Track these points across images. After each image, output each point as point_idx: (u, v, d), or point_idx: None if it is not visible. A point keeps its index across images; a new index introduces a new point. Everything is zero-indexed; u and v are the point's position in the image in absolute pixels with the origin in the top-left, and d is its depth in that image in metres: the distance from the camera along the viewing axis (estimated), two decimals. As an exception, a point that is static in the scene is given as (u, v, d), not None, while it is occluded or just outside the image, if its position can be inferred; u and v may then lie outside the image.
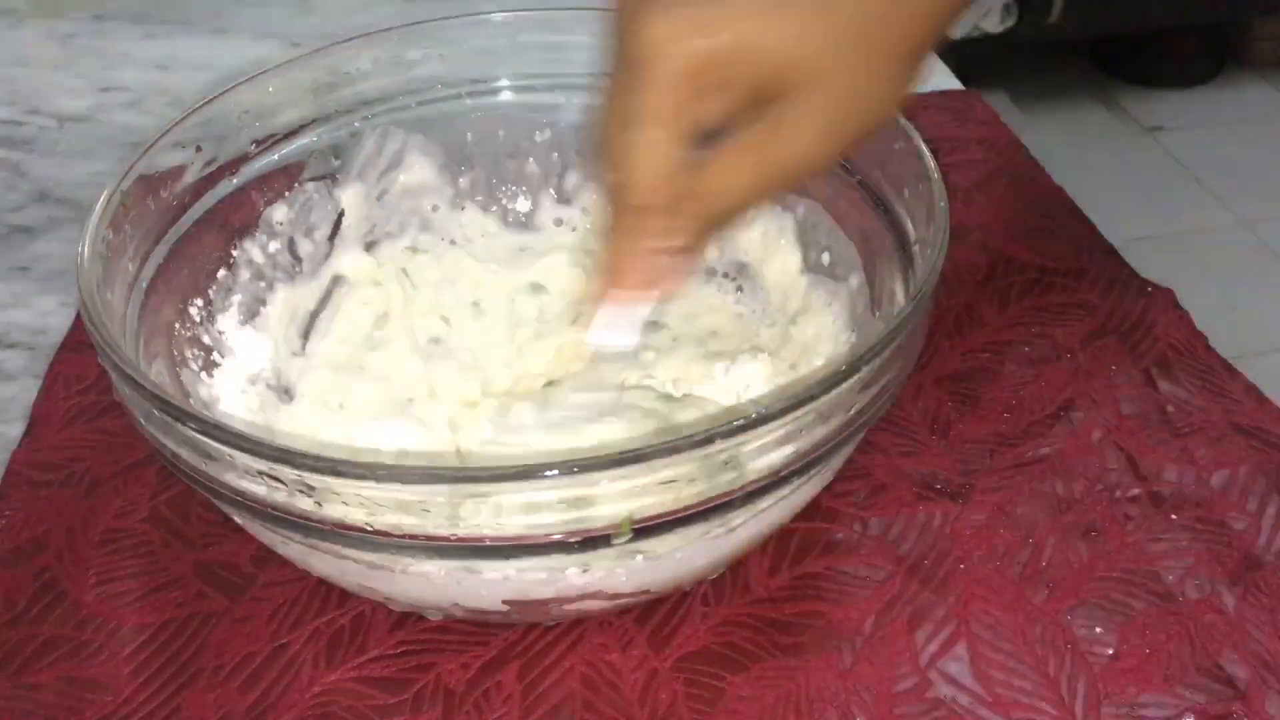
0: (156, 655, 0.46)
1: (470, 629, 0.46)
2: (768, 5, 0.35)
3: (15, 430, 0.56)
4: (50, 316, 0.64)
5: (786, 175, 0.38)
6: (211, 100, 0.52)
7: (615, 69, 0.37)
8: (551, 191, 0.60)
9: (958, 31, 1.90)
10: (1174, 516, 0.50)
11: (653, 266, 0.39)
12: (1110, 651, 0.45)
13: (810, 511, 0.48)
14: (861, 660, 0.45)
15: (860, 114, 0.38)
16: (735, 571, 0.48)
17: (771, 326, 0.56)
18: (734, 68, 0.36)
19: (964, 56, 1.86)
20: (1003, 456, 0.53)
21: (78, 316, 0.61)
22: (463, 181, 0.60)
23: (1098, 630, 0.46)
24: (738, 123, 0.37)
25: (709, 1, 0.35)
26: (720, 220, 0.39)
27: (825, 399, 0.38)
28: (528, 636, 0.46)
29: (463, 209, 0.60)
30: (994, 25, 1.96)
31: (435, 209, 0.59)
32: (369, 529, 0.37)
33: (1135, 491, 0.51)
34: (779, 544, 0.49)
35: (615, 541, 0.37)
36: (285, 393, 0.52)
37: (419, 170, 0.58)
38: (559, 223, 0.60)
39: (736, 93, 0.36)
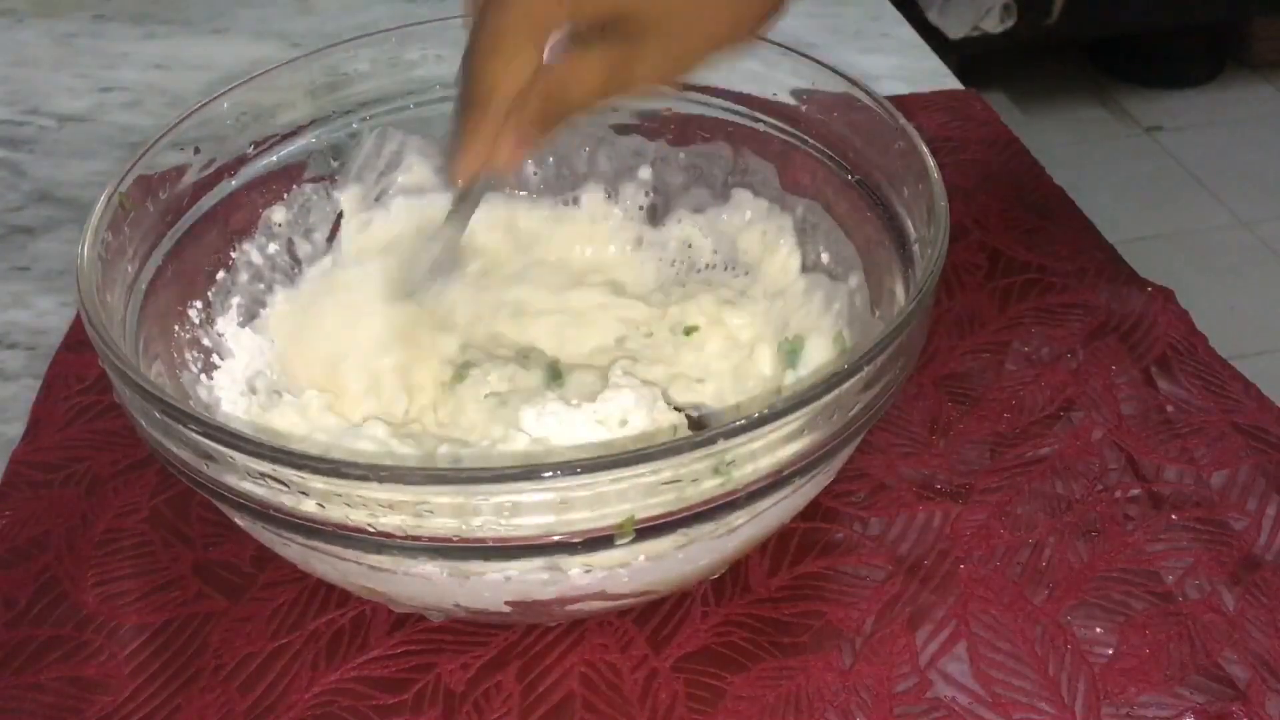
0: (156, 655, 0.46)
1: (470, 629, 0.46)
2: None
3: (15, 430, 0.56)
4: (50, 316, 0.64)
5: (630, 85, 0.42)
6: (210, 101, 0.52)
7: None
8: (553, 196, 0.60)
9: (958, 32, 1.90)
10: (1174, 516, 0.50)
11: (494, 151, 0.43)
12: (1110, 651, 0.45)
13: (810, 511, 0.48)
14: (861, 660, 0.45)
15: (707, 45, 0.43)
16: (735, 571, 0.48)
17: (771, 326, 0.56)
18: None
19: (964, 56, 1.86)
20: (1003, 456, 0.53)
21: (77, 316, 0.61)
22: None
23: (1097, 630, 0.46)
24: (587, 34, 0.41)
25: None
26: (559, 117, 0.42)
27: (826, 399, 0.38)
28: (528, 637, 0.46)
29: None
30: (994, 25, 1.96)
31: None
32: (371, 530, 0.37)
33: (1135, 491, 0.51)
34: (779, 544, 0.49)
35: (618, 542, 0.37)
36: (277, 394, 0.52)
37: (417, 171, 0.58)
38: (557, 223, 0.60)
39: (590, 17, 0.40)
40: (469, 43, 0.42)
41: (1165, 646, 0.45)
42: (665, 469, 0.36)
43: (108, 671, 0.45)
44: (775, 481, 0.39)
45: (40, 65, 0.87)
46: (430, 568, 0.39)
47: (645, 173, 0.59)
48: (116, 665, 0.45)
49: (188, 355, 0.50)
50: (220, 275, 0.53)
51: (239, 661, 0.45)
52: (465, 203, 0.47)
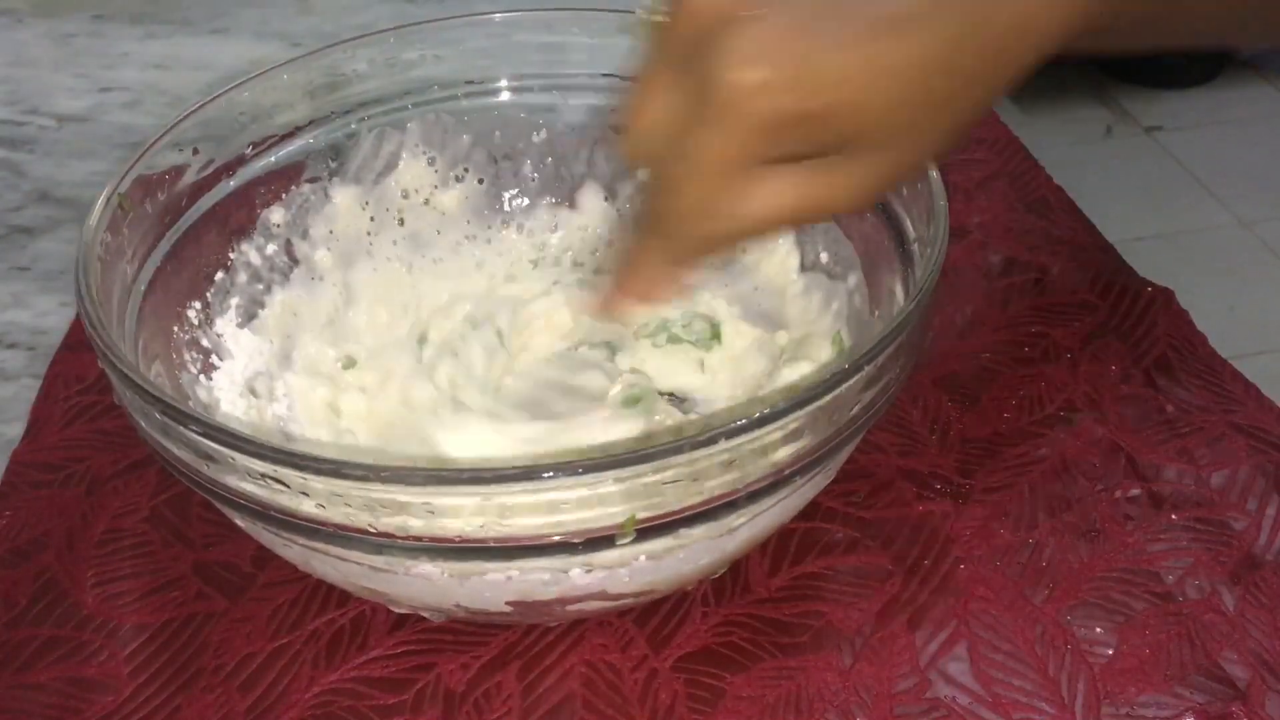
0: (156, 655, 0.46)
1: (470, 629, 0.46)
2: (868, 67, 0.34)
3: (15, 430, 0.56)
4: (50, 316, 0.64)
5: (822, 213, 0.38)
6: (209, 102, 0.52)
7: (678, 78, 0.36)
8: (550, 197, 0.60)
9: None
10: (1174, 516, 0.50)
11: (665, 279, 0.40)
12: (1110, 651, 0.45)
13: (810, 511, 0.48)
14: (861, 660, 0.45)
15: (912, 170, 0.39)
16: (735, 571, 0.48)
17: (770, 326, 0.56)
18: (817, 125, 0.35)
19: (964, 56, 1.86)
20: (1003, 456, 0.53)
21: (77, 316, 0.61)
22: (459, 182, 0.60)
23: (1097, 630, 0.46)
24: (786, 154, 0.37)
25: (805, 53, 0.34)
26: (742, 238, 0.39)
27: (827, 399, 0.38)
28: (528, 637, 0.46)
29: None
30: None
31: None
32: (372, 531, 0.37)
33: (1135, 491, 0.51)
34: (779, 544, 0.49)
35: (619, 542, 0.37)
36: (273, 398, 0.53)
37: (415, 172, 0.58)
38: (555, 226, 0.60)
39: (804, 141, 0.36)
40: (663, 177, 0.38)
41: (1165, 646, 0.45)
42: (666, 469, 0.36)
43: (108, 671, 0.45)
44: (776, 481, 0.39)
45: (40, 65, 0.87)
46: (431, 568, 0.39)
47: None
48: (116, 665, 0.45)
49: (187, 356, 0.50)
50: (219, 276, 0.53)
51: (239, 661, 0.45)
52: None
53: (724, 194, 0.36)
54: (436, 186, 0.59)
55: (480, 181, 0.60)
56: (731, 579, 0.48)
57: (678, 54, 0.36)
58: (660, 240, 0.39)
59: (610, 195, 0.60)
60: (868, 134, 0.36)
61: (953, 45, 0.35)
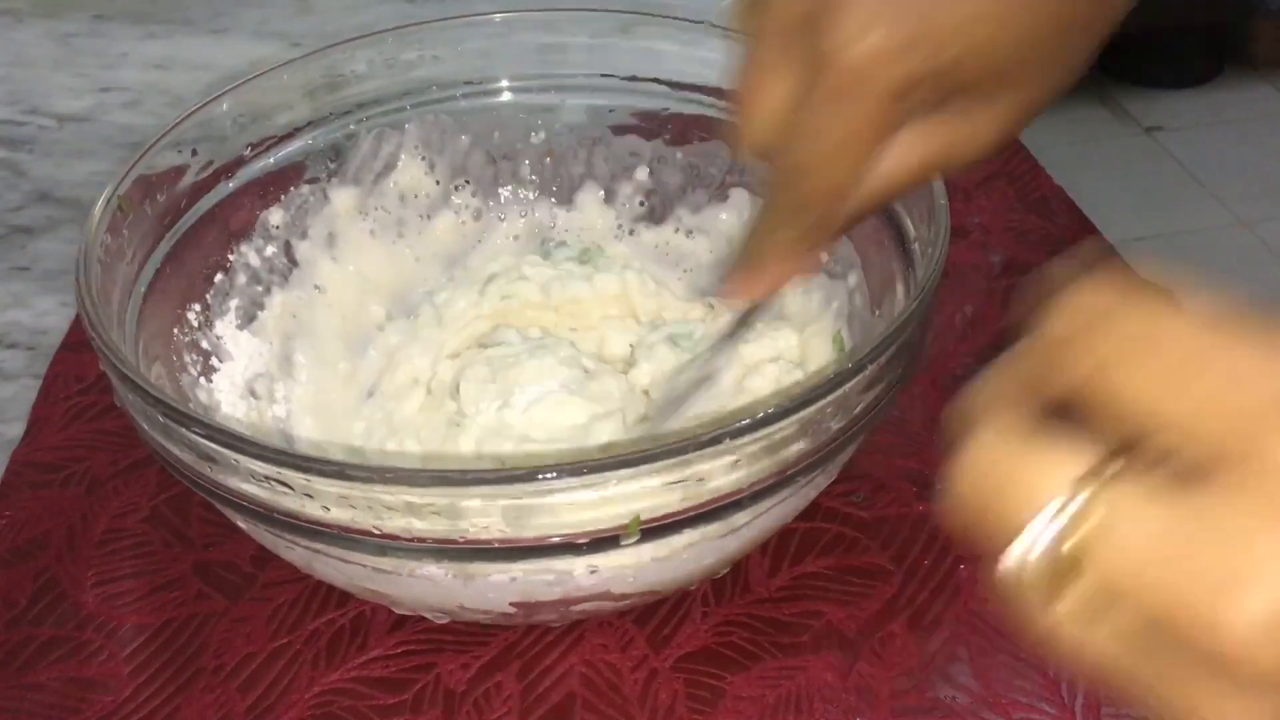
0: (156, 655, 0.46)
1: (470, 629, 0.46)
2: (990, 10, 0.33)
3: (15, 430, 0.56)
4: (50, 316, 0.64)
5: (956, 163, 0.37)
6: (208, 102, 0.52)
7: (788, 57, 0.34)
8: (550, 198, 0.60)
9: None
10: (1174, 516, 0.50)
11: (799, 262, 0.39)
12: (1110, 651, 0.45)
13: (810, 511, 0.48)
14: (861, 660, 0.45)
15: (1042, 103, 0.37)
16: (735, 571, 0.48)
17: (771, 325, 0.56)
18: (946, 79, 0.34)
19: (964, 56, 1.86)
20: (1003, 456, 0.52)
21: (77, 316, 0.61)
22: (458, 183, 0.60)
23: (1098, 630, 0.45)
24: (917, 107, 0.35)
25: (926, 11, 0.32)
26: (874, 204, 0.38)
27: (829, 398, 0.38)
28: (528, 637, 0.46)
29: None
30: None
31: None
32: (376, 532, 0.37)
33: (1135, 491, 0.51)
34: (779, 544, 0.49)
35: (624, 543, 0.37)
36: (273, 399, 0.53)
37: (414, 173, 0.58)
38: (553, 225, 0.60)
39: (932, 95, 0.34)
40: (799, 145, 0.36)
41: (1165, 646, 0.45)
42: (671, 469, 0.36)
43: (108, 671, 0.45)
44: (779, 481, 0.39)
45: (40, 65, 0.87)
46: (435, 570, 0.39)
47: (642, 173, 0.59)
48: (116, 665, 0.45)
49: (187, 358, 0.50)
50: (218, 278, 0.53)
51: (239, 661, 0.45)
52: (742, 325, 0.43)
53: (858, 168, 0.35)
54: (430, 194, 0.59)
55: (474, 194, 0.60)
56: (731, 579, 0.48)
57: (784, 32, 0.34)
58: (792, 227, 0.37)
59: (609, 195, 0.60)
60: (996, 78, 0.34)
61: None
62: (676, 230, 0.59)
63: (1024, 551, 0.23)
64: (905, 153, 0.35)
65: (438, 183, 0.59)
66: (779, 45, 0.35)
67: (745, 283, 0.40)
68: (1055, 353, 0.23)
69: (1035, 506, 0.22)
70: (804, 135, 0.35)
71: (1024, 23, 0.34)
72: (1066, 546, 0.22)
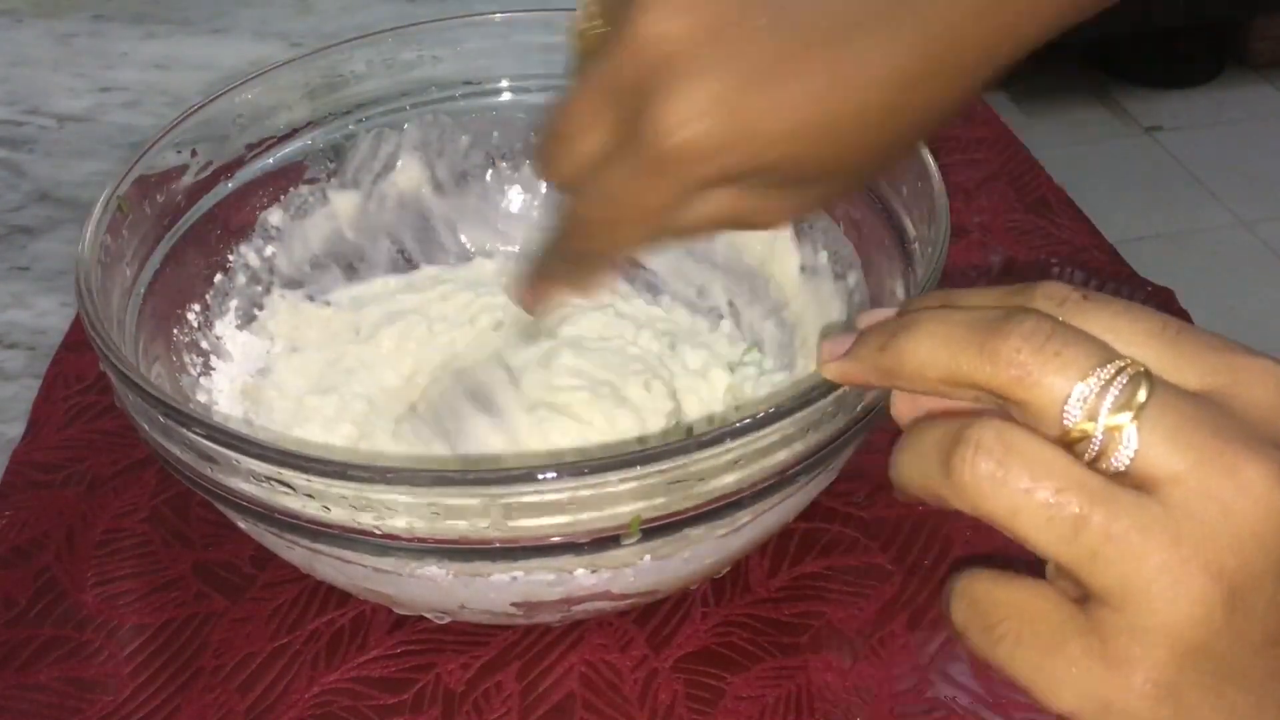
0: (156, 655, 0.46)
1: (470, 629, 0.46)
2: (821, 123, 0.33)
3: (15, 430, 0.56)
4: (50, 316, 0.64)
5: (751, 227, 0.38)
6: (208, 103, 0.51)
7: (610, 108, 0.34)
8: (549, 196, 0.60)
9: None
10: (1174, 516, 0.50)
11: (569, 291, 0.40)
12: (1110, 651, 0.45)
13: (810, 511, 0.48)
14: (861, 660, 0.45)
15: (853, 189, 0.38)
16: (735, 571, 0.48)
17: (772, 326, 0.56)
18: (759, 174, 0.34)
19: (964, 56, 1.86)
20: (1003, 456, 0.52)
21: (78, 316, 0.61)
22: (457, 182, 0.60)
23: (1098, 630, 0.45)
24: None
25: (751, 106, 0.32)
26: (670, 241, 0.38)
27: (830, 397, 0.38)
28: (528, 636, 0.46)
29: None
30: (994, 25, 1.96)
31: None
32: (376, 532, 0.37)
33: (1135, 491, 0.51)
34: (779, 544, 0.49)
35: (624, 542, 0.37)
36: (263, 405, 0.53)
37: (413, 173, 0.58)
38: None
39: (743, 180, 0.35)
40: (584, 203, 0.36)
41: (1165, 646, 0.45)
42: (671, 469, 0.36)
43: (108, 671, 0.45)
44: (780, 480, 0.39)
45: (40, 65, 0.87)
46: (435, 570, 0.39)
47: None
48: (116, 665, 0.45)
49: (187, 358, 0.50)
50: (218, 278, 0.53)
51: (239, 661, 0.45)
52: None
53: (641, 241, 0.36)
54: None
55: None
56: (731, 579, 0.48)
57: (613, 89, 0.34)
58: (569, 266, 0.39)
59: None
60: (813, 177, 0.35)
61: (913, 77, 0.33)
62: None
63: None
64: (708, 210, 0.35)
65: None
66: (604, 98, 0.34)
67: (524, 296, 0.41)
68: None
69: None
70: (601, 194, 0.35)
71: (846, 139, 0.33)
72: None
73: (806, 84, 0.32)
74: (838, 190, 0.37)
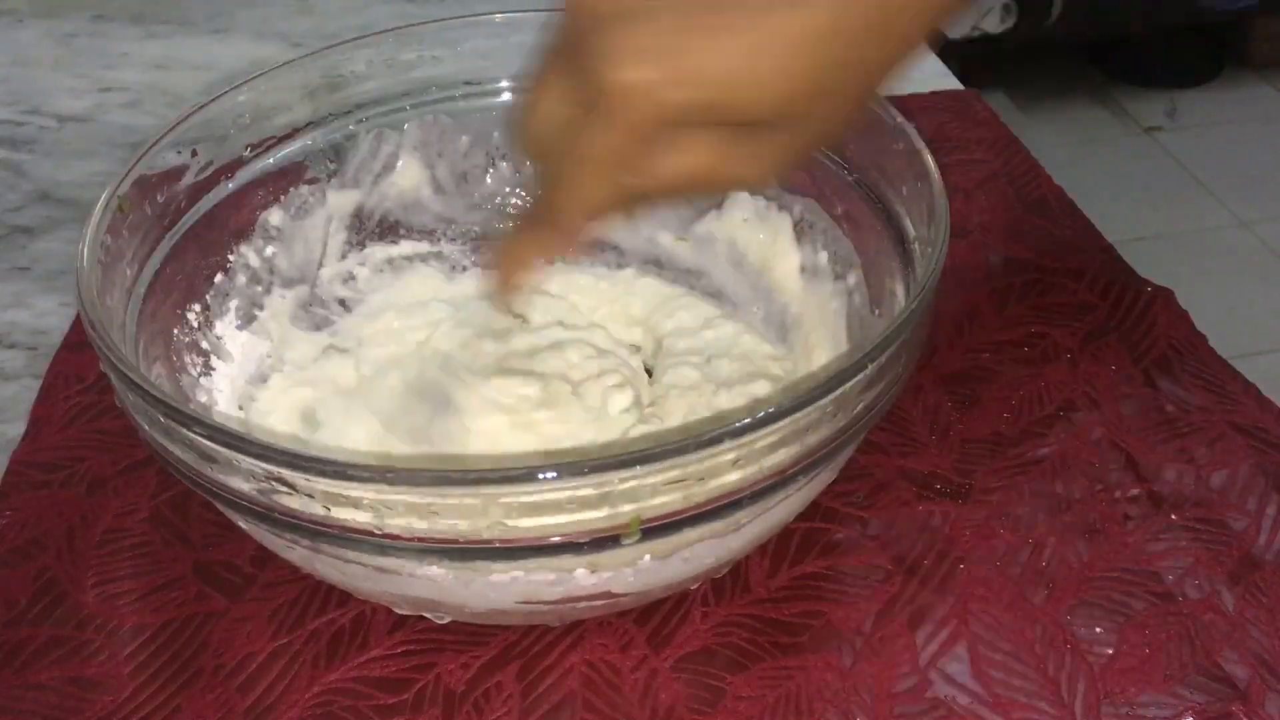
0: (156, 655, 0.46)
1: (470, 629, 0.46)
2: (754, 62, 0.34)
3: (15, 430, 0.56)
4: (50, 316, 0.64)
5: (730, 184, 0.39)
6: (208, 103, 0.51)
7: (568, 70, 0.37)
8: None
9: (958, 31, 1.90)
10: (1174, 516, 0.50)
11: (544, 259, 0.41)
12: (1110, 651, 0.45)
13: (810, 511, 0.48)
14: (861, 660, 0.45)
15: (815, 145, 0.39)
16: (735, 571, 0.48)
17: (772, 325, 0.56)
18: (713, 112, 0.35)
19: (964, 56, 1.86)
20: (1003, 456, 0.53)
21: (78, 316, 0.61)
22: (457, 183, 0.60)
23: (1097, 630, 0.46)
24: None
25: (685, 48, 0.34)
26: (648, 201, 0.39)
27: (830, 398, 0.38)
28: (528, 636, 0.46)
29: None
30: (994, 25, 1.96)
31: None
32: (376, 532, 0.37)
33: (1135, 491, 0.51)
34: (779, 544, 0.49)
35: (624, 542, 0.37)
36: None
37: (413, 173, 0.58)
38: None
39: (706, 121, 0.36)
40: (555, 167, 0.38)
41: (1165, 646, 0.45)
42: (671, 468, 0.36)
43: (108, 671, 0.45)
44: (780, 480, 0.39)
45: (40, 65, 0.87)
46: (436, 570, 0.39)
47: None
48: (116, 665, 0.45)
49: (187, 358, 0.50)
50: (218, 278, 0.53)
51: (239, 661, 0.45)
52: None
53: (604, 187, 0.37)
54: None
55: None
56: (731, 579, 0.48)
57: (566, 52, 0.37)
58: (546, 229, 0.40)
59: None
60: (765, 121, 0.36)
61: (839, 34, 0.35)
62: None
63: None
64: (681, 158, 0.36)
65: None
66: (564, 60, 0.37)
67: (500, 265, 0.42)
68: None
69: None
70: (567, 150, 0.37)
71: (782, 84, 0.35)
72: None
73: (736, 39, 0.34)
74: (802, 143, 0.37)
